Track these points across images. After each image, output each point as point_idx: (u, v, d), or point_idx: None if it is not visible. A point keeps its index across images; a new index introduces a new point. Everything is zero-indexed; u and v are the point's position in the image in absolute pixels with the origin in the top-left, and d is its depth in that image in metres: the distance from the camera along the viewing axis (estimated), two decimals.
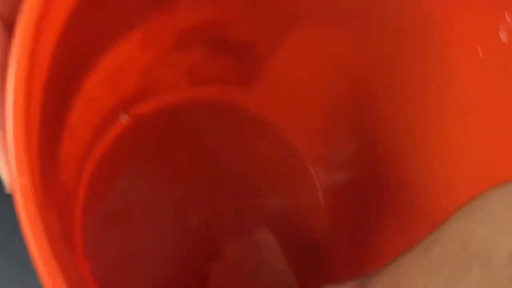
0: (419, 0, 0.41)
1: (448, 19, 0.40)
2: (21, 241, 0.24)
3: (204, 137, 0.55)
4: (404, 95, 0.43)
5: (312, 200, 0.56)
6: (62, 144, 0.38)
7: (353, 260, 0.52)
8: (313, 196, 0.56)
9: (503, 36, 0.37)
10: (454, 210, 0.25)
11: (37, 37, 0.25)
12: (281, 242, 0.54)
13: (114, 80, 0.43)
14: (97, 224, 0.50)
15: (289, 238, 0.55)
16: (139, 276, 0.50)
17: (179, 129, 0.55)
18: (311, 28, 0.48)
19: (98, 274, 0.48)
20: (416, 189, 0.46)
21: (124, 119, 0.51)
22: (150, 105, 0.53)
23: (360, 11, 0.44)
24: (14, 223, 0.25)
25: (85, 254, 0.49)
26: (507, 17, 0.37)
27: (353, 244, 0.53)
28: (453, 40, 0.39)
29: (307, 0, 0.46)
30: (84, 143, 0.45)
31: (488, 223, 0.21)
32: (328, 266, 0.53)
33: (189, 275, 0.51)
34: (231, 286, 0.43)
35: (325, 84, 0.50)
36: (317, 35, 0.48)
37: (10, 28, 0.27)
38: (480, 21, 0.39)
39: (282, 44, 0.49)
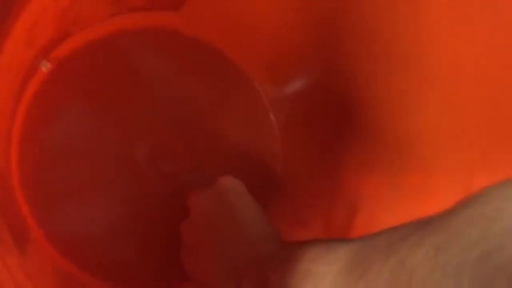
0: None
1: None
2: None
3: (139, 67, 0.50)
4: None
5: (263, 120, 0.53)
6: None
7: (310, 177, 0.51)
8: (263, 115, 0.53)
9: None
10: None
11: None
12: (235, 166, 0.52)
13: (31, 38, 0.37)
14: (39, 181, 0.46)
15: (243, 162, 0.53)
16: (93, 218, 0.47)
17: (111, 63, 0.49)
18: None
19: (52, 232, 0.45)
20: (372, 109, 0.44)
21: (45, 66, 0.45)
22: (73, 45, 0.46)
23: None
24: None
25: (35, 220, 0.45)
26: None
27: (307, 160, 0.51)
28: None
29: None
30: (9, 112, 0.39)
31: None
32: (289, 192, 0.52)
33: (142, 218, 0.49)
34: (204, 242, 0.40)
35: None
36: None
37: None
38: None
39: None
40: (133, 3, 0.46)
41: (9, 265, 0.26)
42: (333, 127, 0.47)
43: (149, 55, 0.50)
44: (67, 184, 0.47)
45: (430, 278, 0.22)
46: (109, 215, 0.48)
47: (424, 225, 0.24)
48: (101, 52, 0.48)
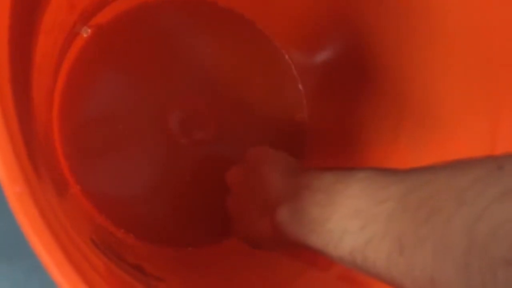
0: None
1: None
2: None
3: (173, 36, 0.52)
4: None
5: (292, 90, 0.55)
6: (32, 87, 0.35)
7: (337, 146, 0.52)
8: (292, 85, 0.55)
9: None
10: None
11: None
12: (264, 135, 0.54)
13: (72, 0, 0.39)
14: (77, 140, 0.48)
15: (272, 131, 0.54)
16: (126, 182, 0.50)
17: (147, 31, 0.51)
18: None
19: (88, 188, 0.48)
20: (397, 76, 0.45)
21: (86, 32, 0.48)
22: (112, 12, 0.49)
23: None
24: None
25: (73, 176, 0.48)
26: None
27: (334, 130, 0.53)
28: None
29: None
30: (51, 72, 0.42)
31: None
32: (314, 153, 0.53)
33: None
34: (243, 189, 0.43)
35: None
36: None
37: None
38: None
39: None
40: None
41: (49, 199, 0.28)
42: (360, 96, 0.48)
43: (185, 24, 0.52)
44: (103, 145, 0.49)
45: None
46: (143, 176, 0.50)
47: (498, 171, 0.24)
48: (138, 20, 0.51)
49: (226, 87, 0.53)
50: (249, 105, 0.54)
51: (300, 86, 0.54)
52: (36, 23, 0.34)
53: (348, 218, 0.30)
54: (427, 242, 0.25)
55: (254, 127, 0.54)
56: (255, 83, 0.54)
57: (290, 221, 0.34)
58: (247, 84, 0.54)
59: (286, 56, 0.54)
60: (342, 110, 0.51)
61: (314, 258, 0.44)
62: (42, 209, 0.21)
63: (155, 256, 0.49)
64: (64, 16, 0.40)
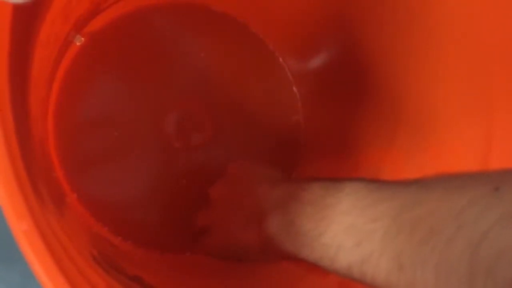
0: None
1: None
2: None
3: (166, 41, 0.52)
4: None
5: (287, 93, 0.55)
6: (29, 98, 0.35)
7: (332, 150, 0.52)
8: (287, 89, 0.54)
9: None
10: None
11: None
12: (259, 138, 0.54)
13: (66, 12, 0.39)
14: (73, 147, 0.48)
15: (267, 134, 0.54)
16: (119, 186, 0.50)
17: (141, 37, 0.51)
18: None
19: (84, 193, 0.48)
20: (392, 82, 0.45)
21: (79, 40, 0.47)
22: (105, 19, 0.48)
23: None
24: None
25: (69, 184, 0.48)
26: None
27: (329, 133, 0.53)
28: None
29: None
30: (46, 82, 0.41)
31: None
32: (309, 157, 0.53)
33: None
34: (229, 202, 0.43)
35: None
36: None
37: None
38: None
39: None
40: None
41: (51, 222, 0.28)
42: (355, 100, 0.48)
43: (178, 29, 0.52)
44: (99, 152, 0.49)
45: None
46: (139, 182, 0.50)
47: (494, 192, 0.24)
48: (131, 27, 0.50)
49: (221, 90, 0.53)
50: (245, 108, 0.54)
51: (295, 89, 0.54)
52: (33, 38, 0.33)
53: (342, 234, 0.30)
54: (429, 262, 0.25)
55: (249, 130, 0.54)
56: (250, 86, 0.54)
57: (281, 233, 0.34)
58: (242, 87, 0.54)
59: (281, 59, 0.54)
60: (337, 113, 0.51)
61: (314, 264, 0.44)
62: (49, 243, 0.21)
63: (153, 263, 0.49)
64: (59, 27, 0.39)
